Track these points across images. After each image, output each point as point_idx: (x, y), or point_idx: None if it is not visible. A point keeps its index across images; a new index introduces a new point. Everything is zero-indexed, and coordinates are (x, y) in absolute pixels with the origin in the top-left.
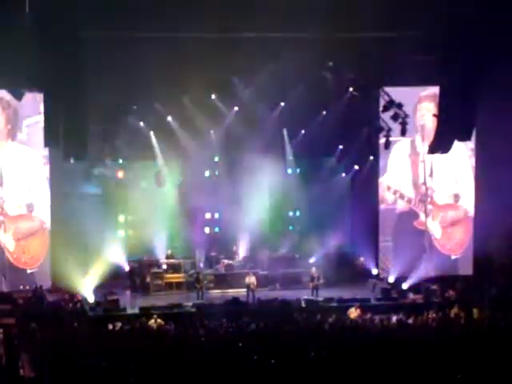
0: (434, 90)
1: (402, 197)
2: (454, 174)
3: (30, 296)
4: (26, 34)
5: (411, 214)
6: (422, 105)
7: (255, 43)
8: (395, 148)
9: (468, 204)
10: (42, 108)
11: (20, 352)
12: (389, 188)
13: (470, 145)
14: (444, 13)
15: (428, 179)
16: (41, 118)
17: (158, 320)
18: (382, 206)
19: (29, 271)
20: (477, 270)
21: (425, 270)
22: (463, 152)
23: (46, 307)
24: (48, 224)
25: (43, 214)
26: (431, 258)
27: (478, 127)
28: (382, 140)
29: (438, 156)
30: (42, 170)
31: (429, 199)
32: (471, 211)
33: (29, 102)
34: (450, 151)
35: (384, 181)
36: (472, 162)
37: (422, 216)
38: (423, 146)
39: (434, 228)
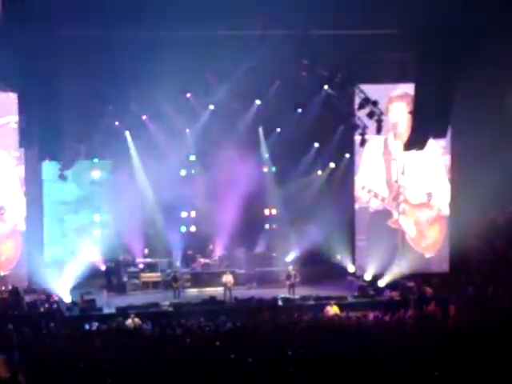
0: (406, 89)
1: (375, 196)
2: (427, 173)
3: (6, 297)
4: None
5: (385, 213)
6: (394, 104)
7: (230, 41)
8: (368, 147)
9: (441, 203)
10: (11, 109)
11: None
12: (363, 187)
13: (442, 143)
14: (420, 10)
15: (400, 178)
16: (10, 119)
17: (136, 319)
18: (357, 205)
19: (2, 273)
20: (453, 268)
21: (399, 268)
22: (435, 150)
23: (22, 308)
24: (21, 226)
25: (16, 216)
26: (405, 256)
27: (453, 124)
28: (358, 138)
29: (410, 154)
30: (14, 171)
31: (402, 198)
32: (444, 210)
33: None
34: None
35: (358, 180)
36: (444, 160)
37: (396, 215)
38: (395, 145)
39: (408, 227)
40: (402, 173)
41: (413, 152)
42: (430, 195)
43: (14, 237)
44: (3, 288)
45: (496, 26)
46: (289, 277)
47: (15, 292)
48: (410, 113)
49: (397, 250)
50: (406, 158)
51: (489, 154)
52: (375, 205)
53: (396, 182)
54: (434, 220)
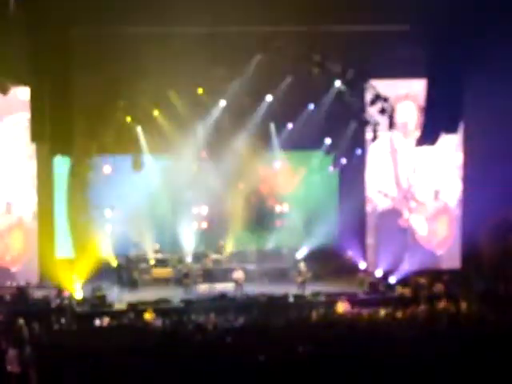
0: (412, 88)
1: (385, 195)
2: (436, 170)
3: (15, 293)
4: (12, 29)
5: (395, 212)
6: (402, 103)
7: (242, 37)
8: (375, 146)
9: (451, 200)
10: (23, 105)
11: (7, 348)
12: (373, 188)
13: (455, 140)
14: (432, 6)
15: (411, 176)
16: (22, 116)
17: (151, 315)
18: (368, 205)
19: (13, 269)
20: (465, 264)
21: (411, 265)
22: (446, 148)
23: (32, 303)
24: (28, 220)
25: (23, 210)
26: (416, 254)
27: (466, 120)
28: (370, 134)
29: (420, 152)
30: (25, 166)
31: (412, 196)
32: (454, 207)
33: (9, 99)
34: (430, 147)
35: (368, 180)
36: (456, 157)
37: (406, 213)
38: (405, 143)
39: (418, 225)
40: (413, 171)
41: (423, 149)
42: (439, 193)
43: (21, 230)
44: (14, 283)
45: (508, 20)
46: (299, 273)
47: (22, 288)
48: (422, 108)
49: (407, 249)
50: (417, 156)
51: (501, 150)
52: (385, 204)
53: (406, 180)
54: (444, 218)
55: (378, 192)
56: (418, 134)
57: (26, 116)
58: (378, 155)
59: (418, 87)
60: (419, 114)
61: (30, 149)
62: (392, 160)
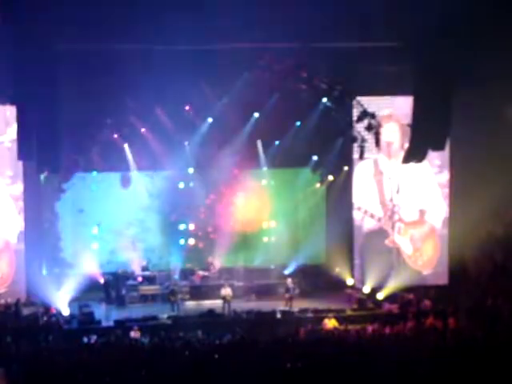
0: (395, 109)
1: (372, 216)
2: (420, 191)
3: (3, 310)
4: None
5: (381, 233)
6: (385, 124)
7: (229, 54)
8: (359, 168)
9: (435, 220)
10: (6, 127)
11: None
12: (359, 208)
13: (437, 161)
14: (418, 23)
15: (395, 197)
16: (4, 139)
17: (138, 332)
18: (355, 222)
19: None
20: (452, 281)
21: (397, 282)
22: (429, 168)
23: (20, 321)
24: (14, 242)
25: (8, 233)
26: (402, 274)
27: (453, 138)
28: (357, 152)
29: (404, 173)
30: (7, 190)
31: (397, 217)
32: (438, 227)
33: None
34: (414, 168)
35: (354, 199)
36: (439, 177)
37: (392, 234)
38: (389, 164)
39: (404, 245)
40: (397, 191)
41: (407, 170)
42: (423, 213)
43: (8, 253)
44: (2, 301)
45: (495, 38)
46: (287, 289)
47: (10, 307)
48: (409, 125)
49: (393, 269)
50: (400, 177)
51: (487, 167)
52: (371, 225)
53: (391, 200)
54: (429, 237)
55: (364, 212)
56: (402, 154)
57: (7, 137)
58: (363, 176)
59: (402, 106)
60: (404, 134)
61: (14, 170)
62: (377, 182)
